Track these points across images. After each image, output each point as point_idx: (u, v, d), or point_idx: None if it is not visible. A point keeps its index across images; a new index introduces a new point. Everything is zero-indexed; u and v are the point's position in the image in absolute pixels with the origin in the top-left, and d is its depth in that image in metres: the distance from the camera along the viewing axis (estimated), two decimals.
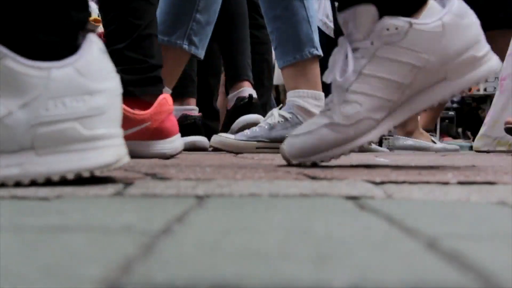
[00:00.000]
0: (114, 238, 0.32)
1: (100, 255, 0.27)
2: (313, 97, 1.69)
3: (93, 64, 0.61)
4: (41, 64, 0.59)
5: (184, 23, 1.64)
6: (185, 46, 1.62)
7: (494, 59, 0.85)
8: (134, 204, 0.47)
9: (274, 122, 1.72)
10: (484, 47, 0.85)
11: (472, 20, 0.85)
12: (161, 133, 1.29)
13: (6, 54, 0.58)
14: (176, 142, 1.32)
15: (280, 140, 1.16)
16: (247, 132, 1.76)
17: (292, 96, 1.70)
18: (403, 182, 0.64)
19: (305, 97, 1.69)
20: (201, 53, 1.68)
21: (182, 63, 1.66)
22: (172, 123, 1.32)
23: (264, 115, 2.10)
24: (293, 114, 1.70)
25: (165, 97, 1.30)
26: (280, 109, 1.76)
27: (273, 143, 1.68)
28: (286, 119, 1.71)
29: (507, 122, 2.04)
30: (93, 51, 0.61)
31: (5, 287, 0.21)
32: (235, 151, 1.70)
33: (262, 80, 2.32)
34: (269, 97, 2.49)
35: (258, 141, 1.72)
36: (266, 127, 1.73)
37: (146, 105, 1.28)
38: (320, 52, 1.77)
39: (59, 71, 0.59)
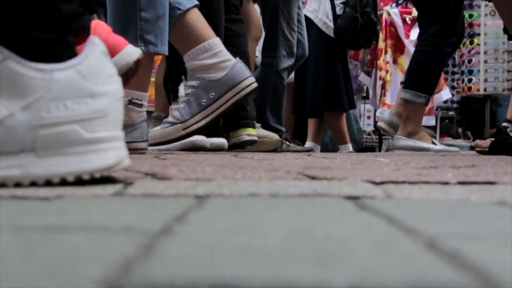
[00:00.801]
0: (114, 238, 0.32)
1: (100, 255, 0.27)
2: (204, 51, 1.66)
3: (95, 67, 0.61)
4: (44, 66, 0.59)
5: (132, 25, 1.56)
6: (142, 48, 1.54)
7: None
8: (134, 204, 0.47)
9: (187, 98, 1.68)
10: None
11: None
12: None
13: (8, 56, 0.58)
14: (125, 53, 1.34)
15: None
16: (169, 118, 1.71)
17: (187, 62, 1.67)
18: (403, 182, 0.64)
19: (196, 56, 1.66)
20: (162, 49, 1.61)
21: (147, 64, 1.58)
22: (115, 40, 1.33)
23: (246, 107, 2.10)
24: (197, 78, 1.66)
25: (95, 22, 1.33)
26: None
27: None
28: (194, 86, 1.67)
29: (476, 145, 2.07)
30: (96, 54, 0.61)
31: (5, 287, 0.21)
32: (165, 139, 1.66)
33: None
34: None
35: (182, 122, 1.68)
36: (183, 105, 1.68)
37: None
38: None
39: (62, 73, 0.59)
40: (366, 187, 0.59)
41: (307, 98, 3.39)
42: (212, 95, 1.66)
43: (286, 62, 2.64)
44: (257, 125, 2.36)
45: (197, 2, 1.69)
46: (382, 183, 0.63)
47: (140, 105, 1.51)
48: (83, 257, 0.27)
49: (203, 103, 1.66)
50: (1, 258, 0.26)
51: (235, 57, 1.76)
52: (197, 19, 1.67)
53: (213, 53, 1.65)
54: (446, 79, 4.60)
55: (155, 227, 0.35)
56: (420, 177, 0.71)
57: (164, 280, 0.22)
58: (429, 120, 4.42)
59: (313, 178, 0.68)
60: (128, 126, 1.44)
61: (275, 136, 2.40)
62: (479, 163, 1.09)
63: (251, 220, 0.39)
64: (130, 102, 1.48)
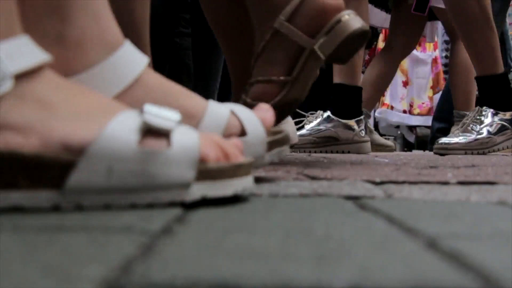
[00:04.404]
0: (114, 238, 0.32)
1: (100, 255, 0.27)
2: None
3: None
4: None
5: None
6: None
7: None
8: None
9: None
10: None
11: None
12: None
13: None
14: None
15: None
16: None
17: None
18: (403, 182, 0.64)
19: None
20: None
21: None
22: None
23: None
24: None
25: None
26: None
27: None
28: None
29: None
30: None
31: (5, 287, 0.21)
32: None
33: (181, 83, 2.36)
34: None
35: None
36: None
37: None
38: None
39: None
40: (366, 187, 0.59)
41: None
42: None
43: None
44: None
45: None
46: (382, 183, 0.63)
47: None
48: (83, 257, 0.27)
49: None
50: (1, 258, 0.26)
51: (179, 70, 1.82)
52: None
53: None
54: (446, 79, 4.60)
55: (155, 227, 0.35)
56: (420, 177, 0.71)
57: (164, 280, 0.22)
58: (429, 120, 4.42)
59: (313, 178, 0.68)
60: None
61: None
62: (479, 163, 1.09)
63: (251, 220, 0.39)
64: None
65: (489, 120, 1.77)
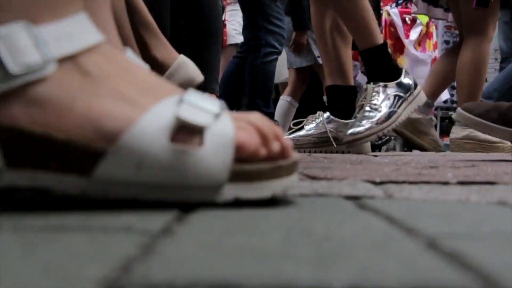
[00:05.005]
0: (114, 238, 0.32)
1: (100, 255, 0.27)
2: None
3: None
4: None
5: None
6: None
7: None
8: (134, 204, 0.47)
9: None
10: None
11: None
12: None
13: None
14: None
15: None
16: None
17: None
18: (403, 182, 0.64)
19: None
20: None
21: None
22: None
23: None
24: None
25: None
26: None
27: None
28: None
29: None
30: None
31: (5, 287, 0.21)
32: None
33: None
34: None
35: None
36: None
37: None
38: None
39: None
40: (366, 187, 0.59)
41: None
42: None
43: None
44: None
45: None
46: (382, 183, 0.63)
47: None
48: (83, 257, 0.27)
49: None
50: (1, 258, 0.26)
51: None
52: None
53: None
54: None
55: (155, 227, 0.35)
56: (420, 177, 0.71)
57: (164, 280, 0.22)
58: None
59: (313, 178, 0.68)
60: None
61: None
62: (479, 163, 1.09)
63: (251, 220, 0.39)
64: None
65: (383, 95, 1.73)
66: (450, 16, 2.52)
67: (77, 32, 0.43)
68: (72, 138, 0.41)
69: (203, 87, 2.22)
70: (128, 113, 0.42)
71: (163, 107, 0.43)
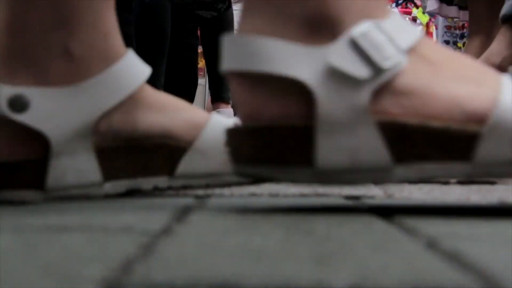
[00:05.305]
0: (114, 238, 0.32)
1: (100, 255, 0.27)
2: None
3: None
4: None
5: None
6: None
7: None
8: (134, 204, 0.47)
9: None
10: None
11: None
12: None
13: None
14: None
15: None
16: None
17: None
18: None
19: None
20: None
21: None
22: None
23: None
24: None
25: None
26: None
27: None
28: None
29: None
30: None
31: (5, 287, 0.21)
32: None
33: None
34: None
35: None
36: None
37: None
38: None
39: None
40: (366, 187, 0.59)
41: None
42: None
43: None
44: None
45: None
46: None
47: None
48: (83, 257, 0.27)
49: None
50: (1, 258, 0.26)
51: (184, 85, 1.88)
52: None
53: None
54: None
55: (155, 227, 0.35)
56: None
57: (164, 280, 0.22)
58: None
59: None
60: None
61: None
62: None
63: (251, 220, 0.39)
64: None
65: None
66: (462, 14, 2.51)
67: (404, 25, 0.44)
68: (448, 124, 0.42)
69: (215, 94, 2.28)
70: (487, 93, 0.42)
71: (508, 85, 0.43)
